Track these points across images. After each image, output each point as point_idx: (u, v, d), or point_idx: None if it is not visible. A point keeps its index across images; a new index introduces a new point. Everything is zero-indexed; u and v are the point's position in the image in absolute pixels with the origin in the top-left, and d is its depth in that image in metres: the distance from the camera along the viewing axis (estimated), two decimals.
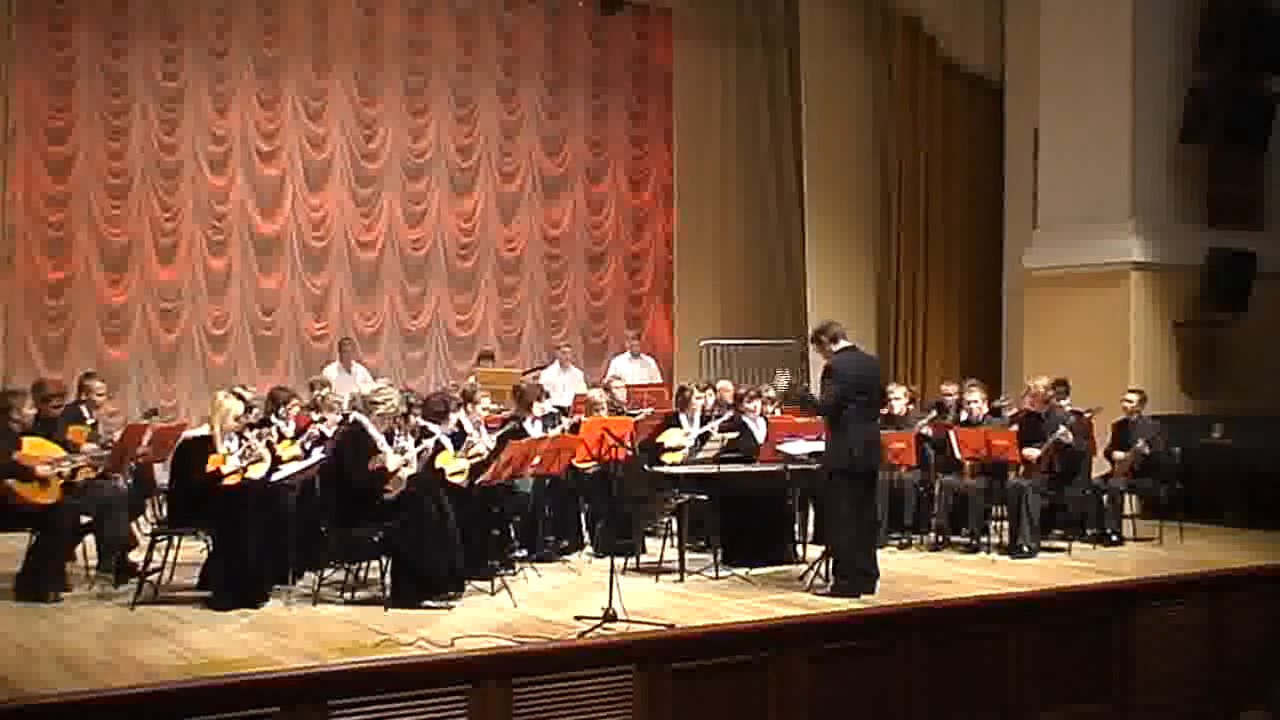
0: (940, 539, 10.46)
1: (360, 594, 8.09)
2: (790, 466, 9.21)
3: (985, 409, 10.80)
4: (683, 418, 10.58)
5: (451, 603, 7.81)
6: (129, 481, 9.21)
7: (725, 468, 9.35)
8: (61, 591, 8.07)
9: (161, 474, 9.43)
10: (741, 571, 9.02)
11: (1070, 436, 10.23)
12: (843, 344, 8.45)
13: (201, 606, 7.71)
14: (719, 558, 9.21)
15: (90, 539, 8.78)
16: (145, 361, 14.30)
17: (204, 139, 14.62)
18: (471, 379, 12.37)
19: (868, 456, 8.36)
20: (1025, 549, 10.01)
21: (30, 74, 13.73)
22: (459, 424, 9.22)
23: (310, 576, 8.31)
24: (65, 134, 13.93)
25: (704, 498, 9.21)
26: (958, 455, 10.36)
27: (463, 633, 6.91)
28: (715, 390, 11.47)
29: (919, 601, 8.09)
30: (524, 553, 9.37)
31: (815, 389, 11.06)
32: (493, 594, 8.13)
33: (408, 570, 7.84)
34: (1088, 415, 10.67)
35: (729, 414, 10.42)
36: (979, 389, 10.84)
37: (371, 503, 7.91)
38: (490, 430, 9.60)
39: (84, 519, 8.66)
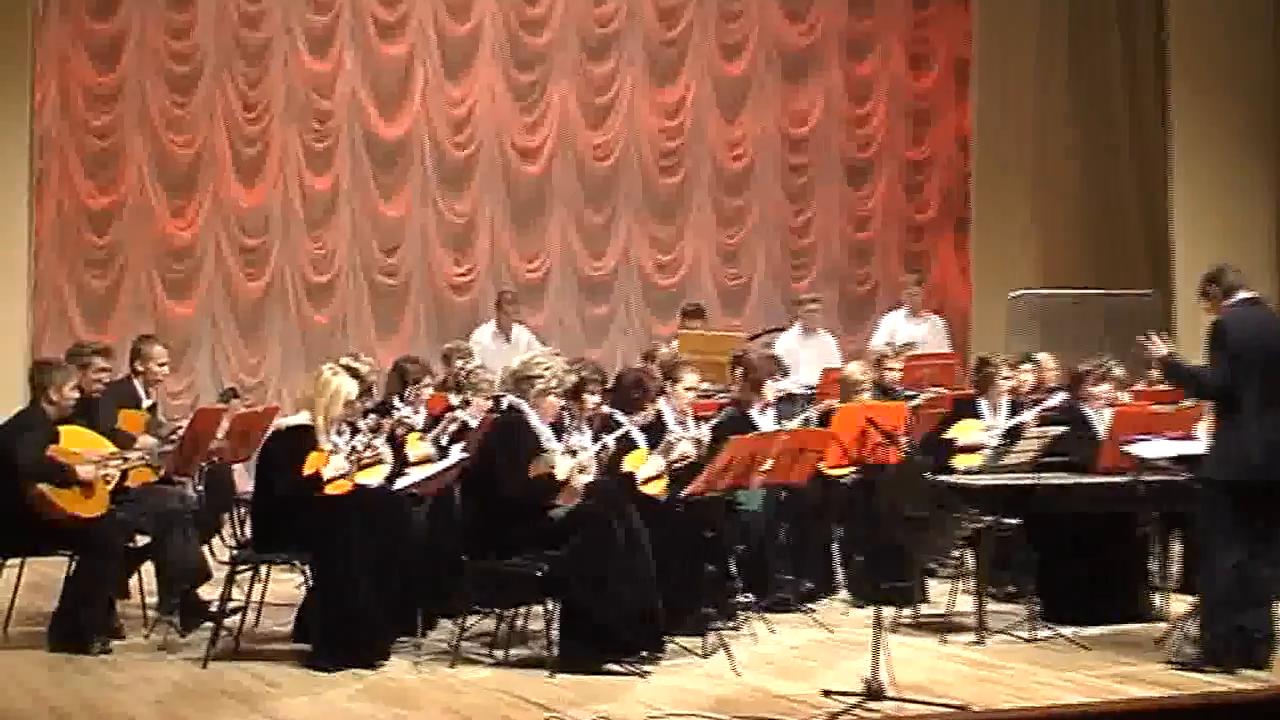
0: None
1: (516, 652, 8.26)
2: (1145, 478, 9.06)
3: None
4: (983, 404, 10.47)
5: (645, 667, 7.91)
6: (200, 488, 9.54)
7: (1047, 478, 9.23)
8: (110, 639, 8.41)
9: (244, 479, 9.76)
10: (1069, 631, 8.92)
11: None
12: (1241, 295, 8.28)
13: (298, 665, 7.98)
14: (1036, 610, 9.14)
15: (148, 567, 9.14)
16: (221, 321, 14.82)
17: (300, 7, 15.03)
18: (672, 345, 12.41)
19: (1270, 464, 8.19)
20: None
21: None
22: (657, 411, 9.30)
23: (447, 626, 8.53)
24: (113, 5, 14.47)
25: (1014, 521, 9.12)
26: None
27: (661, 710, 6.99)
28: (1034, 365, 11.32)
29: None
30: (749, 597, 9.40)
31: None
32: (704, 656, 8.21)
33: (583, 619, 7.96)
34: None
35: (1061, 399, 10.29)
36: None
37: (533, 523, 8.05)
38: (701, 420, 9.66)
39: (139, 539, 9.02)
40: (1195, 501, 8.63)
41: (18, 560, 8.81)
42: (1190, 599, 8.78)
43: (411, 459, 9.08)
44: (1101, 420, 9.95)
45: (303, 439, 8.26)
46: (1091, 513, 9.33)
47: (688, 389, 9.70)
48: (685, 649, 8.25)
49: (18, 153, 13.80)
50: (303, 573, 8.54)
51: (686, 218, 16.35)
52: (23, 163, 13.87)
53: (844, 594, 10.18)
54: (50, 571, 8.88)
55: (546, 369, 8.43)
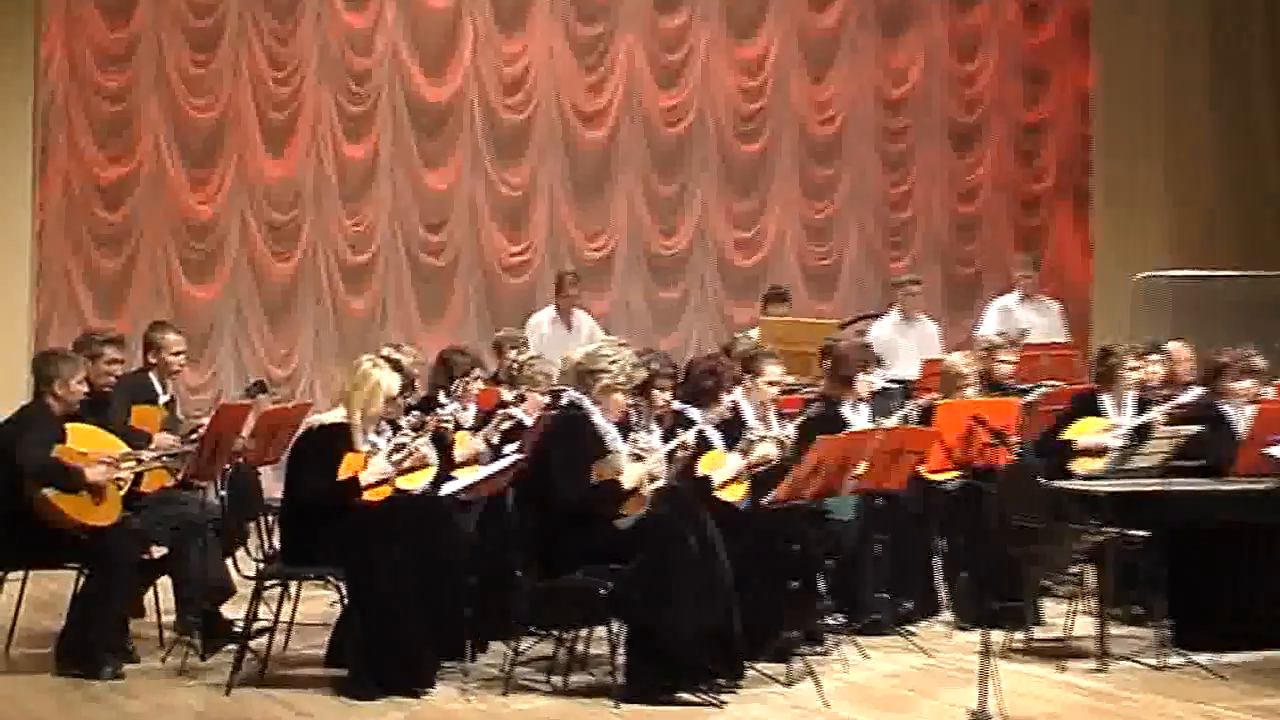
0: None
1: (576, 679, 8.29)
2: None
3: None
4: (1105, 400, 10.45)
5: (721, 696, 7.91)
6: (222, 494, 9.59)
7: (1179, 484, 9.21)
8: (123, 662, 8.46)
9: (272, 484, 9.82)
10: (1204, 658, 8.89)
11: None
12: None
13: (332, 692, 8.02)
14: (1166, 634, 9.10)
15: (165, 582, 9.22)
16: (246, 306, 14.91)
17: None
18: (752, 334, 12.41)
19: None
20: None
21: None
22: (734, 407, 9.32)
23: (499, 649, 8.56)
24: None
25: (1141, 534, 9.06)
26: None
27: None
28: (1164, 356, 11.28)
29: None
30: (840, 619, 9.43)
31: None
32: (788, 684, 8.22)
33: (651, 642, 7.95)
34: None
35: (1195, 395, 10.24)
36: None
37: (596, 533, 8.06)
38: (785, 418, 9.66)
39: (155, 551, 9.09)
40: None
41: (20, 573, 8.89)
42: None
43: (458, 458, 9.11)
44: (1242, 419, 9.91)
45: (338, 439, 8.28)
46: (1229, 524, 9.26)
47: (770, 383, 9.63)
48: (767, 676, 8.25)
49: (21, 119, 13.92)
50: (337, 589, 8.51)
51: (769, 189, 16.35)
52: (26, 130, 13.98)
53: (947, 615, 10.15)
54: (56, 586, 8.98)
55: (614, 362, 8.41)
